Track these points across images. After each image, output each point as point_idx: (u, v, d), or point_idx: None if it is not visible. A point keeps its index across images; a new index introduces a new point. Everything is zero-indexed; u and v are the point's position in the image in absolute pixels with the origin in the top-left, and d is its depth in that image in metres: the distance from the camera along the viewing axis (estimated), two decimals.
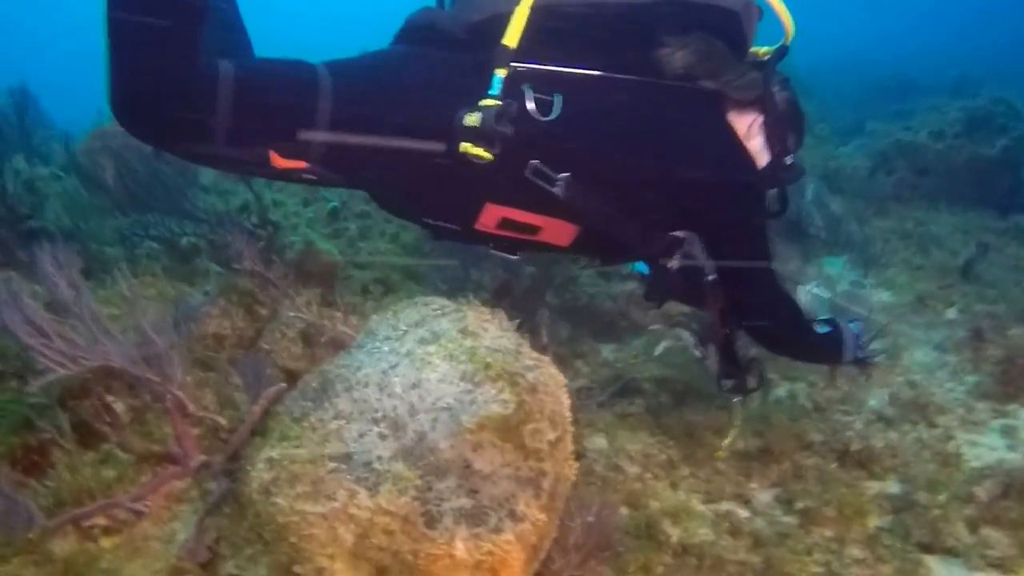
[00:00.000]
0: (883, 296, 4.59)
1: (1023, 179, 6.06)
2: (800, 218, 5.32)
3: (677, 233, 2.52)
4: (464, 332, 1.86)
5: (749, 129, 2.53)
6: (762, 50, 2.55)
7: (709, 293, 2.60)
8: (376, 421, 1.69)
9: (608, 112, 2.33)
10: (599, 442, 2.95)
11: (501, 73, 2.17)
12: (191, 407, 1.95)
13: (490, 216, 2.37)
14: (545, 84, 2.26)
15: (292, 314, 2.69)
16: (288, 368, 2.68)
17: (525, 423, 1.68)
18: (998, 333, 3.81)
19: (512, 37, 2.18)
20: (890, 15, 36.64)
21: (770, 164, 2.57)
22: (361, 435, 1.68)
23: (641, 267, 2.90)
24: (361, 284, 3.96)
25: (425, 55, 2.37)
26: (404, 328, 1.96)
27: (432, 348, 1.81)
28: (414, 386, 1.73)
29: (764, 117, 2.52)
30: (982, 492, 2.64)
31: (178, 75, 2.02)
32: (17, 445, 1.94)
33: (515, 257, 2.71)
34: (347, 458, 1.64)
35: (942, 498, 2.62)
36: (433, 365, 1.76)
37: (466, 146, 2.14)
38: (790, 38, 2.47)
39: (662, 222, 2.49)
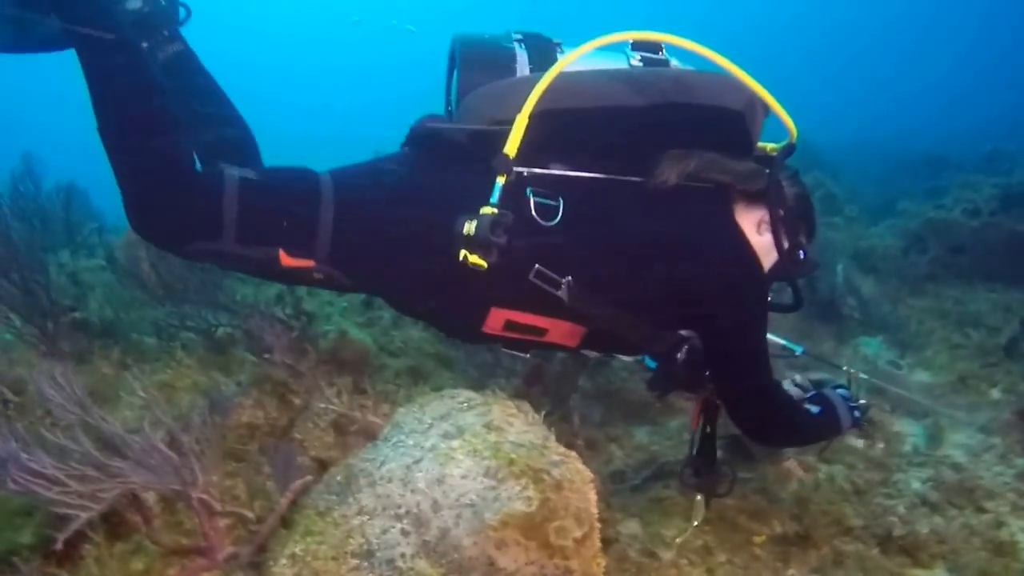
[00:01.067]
0: (922, 376, 4.50)
1: None
2: (834, 298, 5.28)
3: (683, 332, 2.50)
4: (489, 427, 1.87)
5: (758, 226, 2.50)
6: (769, 146, 2.53)
7: (705, 386, 2.60)
8: (399, 517, 1.70)
9: (611, 215, 2.35)
10: (633, 527, 2.91)
11: (500, 180, 2.20)
12: (217, 506, 1.95)
13: (496, 319, 2.37)
14: (549, 188, 2.29)
15: (323, 405, 2.71)
16: (320, 458, 2.70)
17: (550, 520, 1.67)
18: None
19: (512, 146, 2.21)
20: (916, 94, 36.95)
21: (780, 261, 2.52)
22: (384, 531, 1.68)
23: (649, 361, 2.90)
24: (394, 372, 3.99)
25: (429, 162, 2.43)
26: (429, 421, 1.97)
27: (456, 443, 1.82)
28: (438, 482, 1.73)
29: (773, 212, 2.48)
30: None
31: (180, 190, 2.17)
32: (50, 538, 1.96)
33: (527, 355, 2.70)
34: (369, 555, 1.64)
35: None
36: (457, 460, 1.77)
37: (464, 253, 2.16)
38: (795, 136, 2.47)
39: (668, 321, 2.47)
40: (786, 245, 2.48)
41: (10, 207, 3.32)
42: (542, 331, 2.42)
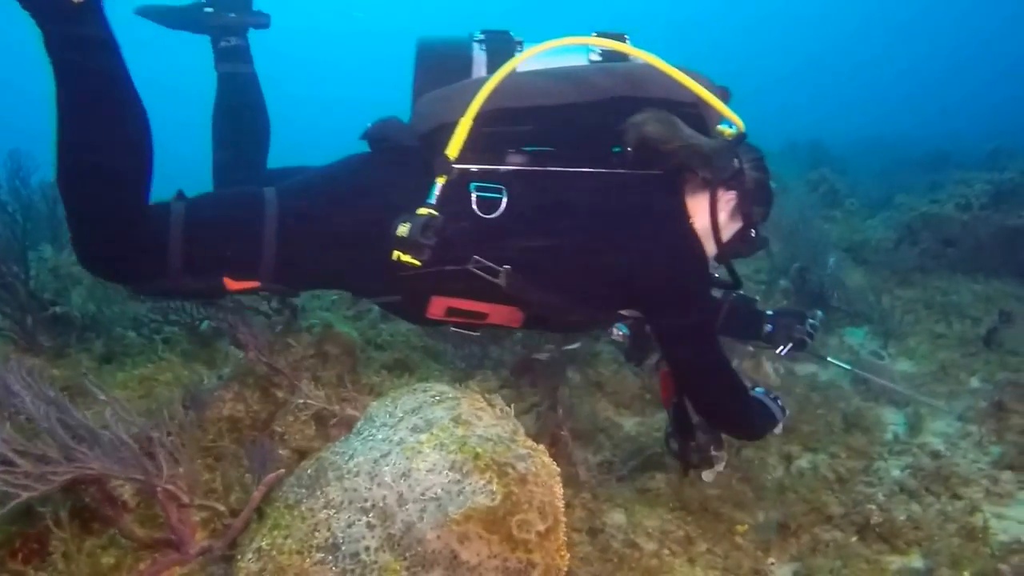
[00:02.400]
0: (904, 365, 4.54)
1: None
2: (822, 290, 5.30)
3: (623, 312, 2.62)
4: (457, 421, 1.88)
5: (711, 208, 2.57)
6: (727, 131, 2.54)
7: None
8: (365, 511, 1.71)
9: (555, 205, 2.40)
10: (618, 517, 2.93)
11: (440, 181, 2.28)
12: (185, 498, 1.97)
13: (437, 307, 2.48)
14: (492, 183, 2.36)
15: (301, 400, 2.72)
16: (301, 449, 2.71)
17: (513, 514, 1.68)
18: (1021, 402, 3.73)
19: (454, 148, 2.28)
20: (930, 91, 36.87)
21: (733, 240, 2.64)
22: (350, 525, 1.69)
23: (623, 327, 2.97)
24: (381, 365, 4.00)
25: (378, 164, 2.51)
26: (400, 415, 1.99)
27: (424, 437, 1.83)
28: (404, 476, 1.74)
29: (731, 195, 2.59)
30: (1008, 568, 2.57)
31: (126, 228, 2.21)
32: (16, 534, 1.97)
33: (476, 334, 2.80)
34: (334, 548, 1.66)
35: (967, 574, 2.56)
36: (423, 455, 1.78)
37: (397, 254, 2.24)
38: (743, 129, 2.50)
39: (609, 303, 2.57)
40: (740, 225, 2.61)
41: None
42: (483, 315, 2.52)
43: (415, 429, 1.88)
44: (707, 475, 3.03)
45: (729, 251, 2.66)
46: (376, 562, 1.62)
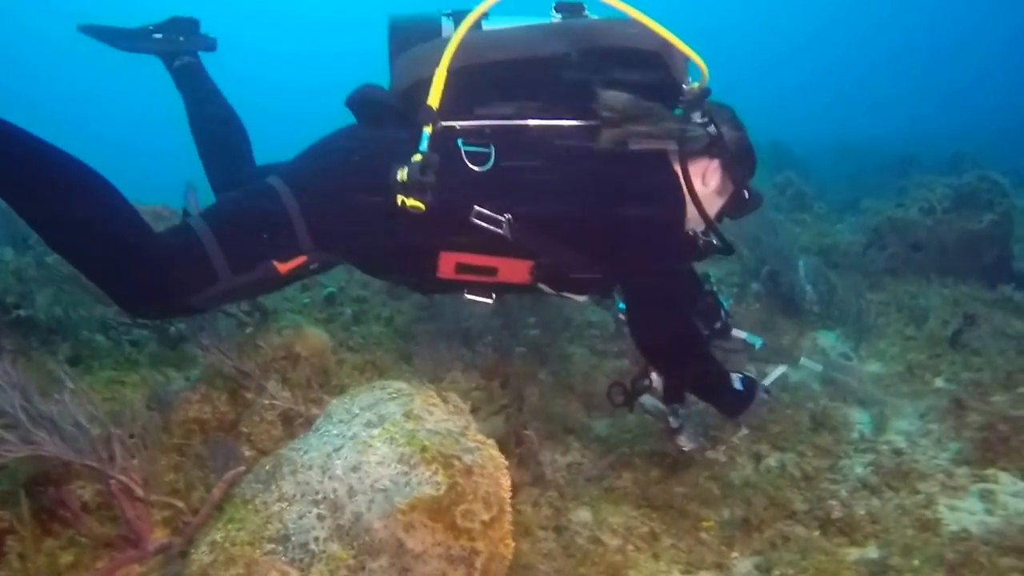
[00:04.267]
0: (874, 367, 4.60)
1: (1010, 252, 6.15)
2: (793, 293, 5.36)
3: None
4: (408, 415, 1.93)
5: (703, 176, 2.67)
6: (694, 87, 2.64)
7: None
8: (316, 503, 1.75)
9: (539, 157, 2.50)
10: (583, 515, 2.98)
11: (428, 130, 2.37)
12: (139, 491, 1.99)
13: (447, 264, 2.57)
14: (478, 137, 2.48)
15: (266, 402, 2.75)
16: (267, 450, 2.74)
17: (457, 504, 1.73)
18: (981, 400, 3.80)
19: (434, 97, 2.38)
20: (902, 96, 37.18)
21: (727, 203, 2.76)
22: (301, 516, 1.73)
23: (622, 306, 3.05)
24: (352, 366, 4.03)
25: (367, 128, 2.64)
26: (357, 411, 2.03)
27: (376, 432, 1.88)
28: (354, 469, 1.79)
29: (715, 163, 2.68)
30: (954, 555, 2.64)
31: (163, 264, 2.32)
32: None
33: (489, 301, 2.84)
34: (285, 539, 1.69)
35: (916, 562, 2.63)
36: (374, 448, 1.83)
37: (401, 199, 2.31)
38: (706, 78, 2.58)
39: (602, 254, 2.63)
40: (732, 188, 2.70)
41: None
42: (493, 270, 2.61)
43: (368, 424, 1.93)
44: (683, 441, 3.13)
45: (724, 214, 2.79)
46: (325, 551, 1.66)
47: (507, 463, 1.91)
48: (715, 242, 2.83)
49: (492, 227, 2.45)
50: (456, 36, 2.39)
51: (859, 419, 3.96)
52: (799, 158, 11.50)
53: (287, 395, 2.82)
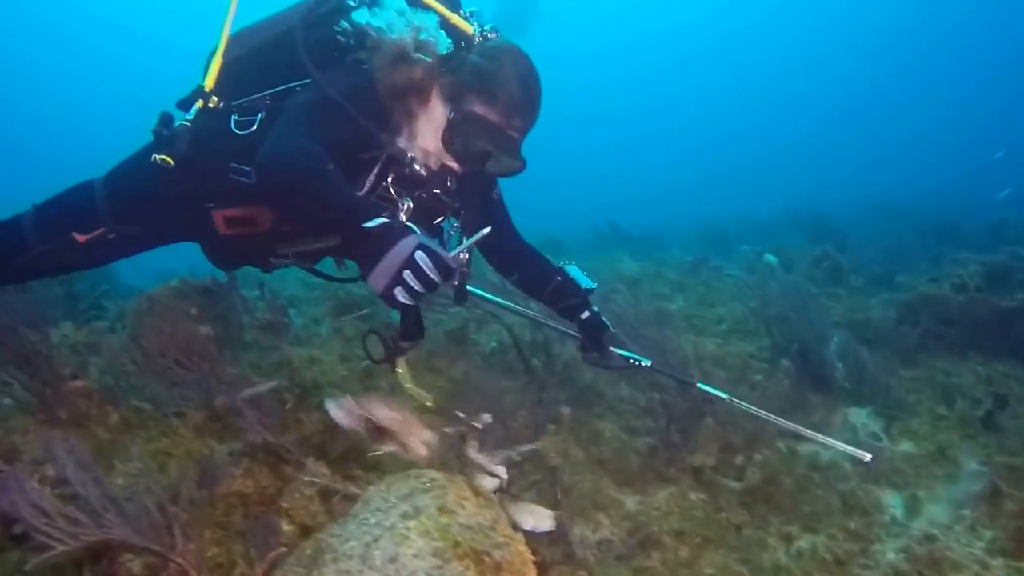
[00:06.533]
0: (905, 446, 4.56)
1: None
2: (824, 369, 5.37)
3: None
4: (442, 509, 2.03)
5: (426, 99, 2.75)
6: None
7: None
8: None
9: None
10: None
11: (199, 105, 2.85)
12: (193, 572, 2.07)
13: (219, 220, 2.89)
14: (247, 110, 2.85)
15: (306, 478, 2.83)
16: (306, 525, 2.81)
17: None
18: (1016, 486, 3.77)
19: (209, 79, 2.89)
20: (945, 157, 37.02)
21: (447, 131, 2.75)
22: None
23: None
24: None
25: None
26: (394, 500, 2.12)
27: (412, 523, 1.98)
28: (392, 560, 1.88)
29: (445, 80, 2.75)
30: None
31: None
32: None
33: (315, 267, 3.18)
34: None
35: None
36: (410, 540, 1.93)
37: (155, 156, 2.78)
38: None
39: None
40: (454, 115, 2.72)
41: None
42: (252, 220, 2.87)
43: (405, 516, 2.02)
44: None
45: (452, 141, 2.74)
46: None
47: (534, 557, 1.99)
48: (422, 172, 2.74)
49: (245, 179, 2.71)
50: (224, 30, 2.93)
51: (891, 502, 3.94)
52: (838, 229, 11.57)
53: (325, 471, 2.89)
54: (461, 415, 2.73)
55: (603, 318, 3.38)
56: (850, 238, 11.17)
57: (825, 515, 3.75)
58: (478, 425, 2.72)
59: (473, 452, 2.70)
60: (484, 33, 2.83)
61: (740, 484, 4.04)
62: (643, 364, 3.28)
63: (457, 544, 1.90)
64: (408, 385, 2.99)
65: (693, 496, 3.98)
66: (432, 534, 1.93)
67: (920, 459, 4.34)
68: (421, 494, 2.10)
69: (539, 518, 2.51)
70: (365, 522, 2.05)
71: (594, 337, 3.35)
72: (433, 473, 2.25)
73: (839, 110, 52.73)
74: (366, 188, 2.74)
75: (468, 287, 3.12)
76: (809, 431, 3.26)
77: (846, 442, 4.40)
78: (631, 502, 3.98)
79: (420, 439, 2.65)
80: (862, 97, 51.83)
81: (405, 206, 2.72)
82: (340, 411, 2.64)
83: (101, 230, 2.91)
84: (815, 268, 8.85)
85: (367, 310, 6.16)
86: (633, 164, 50.58)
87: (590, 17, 57.60)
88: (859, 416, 5.05)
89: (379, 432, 2.66)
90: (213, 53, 2.98)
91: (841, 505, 3.84)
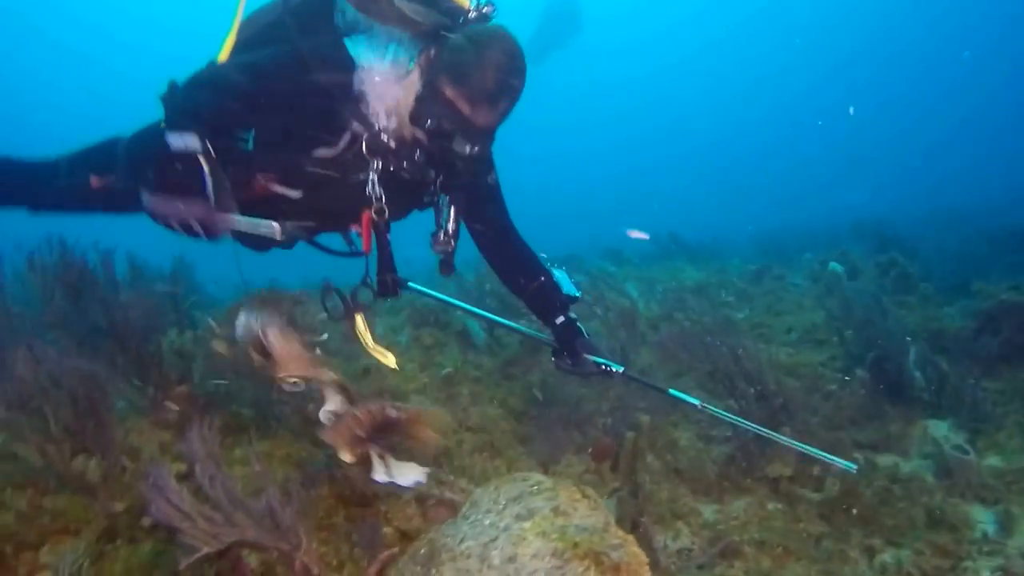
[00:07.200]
0: (993, 461, 4.46)
1: None
2: (902, 379, 5.28)
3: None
4: (556, 511, 2.07)
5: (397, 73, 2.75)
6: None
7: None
8: None
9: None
10: None
11: None
12: (315, 570, 2.15)
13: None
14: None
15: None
16: (402, 529, 2.89)
17: None
18: None
19: (223, 53, 2.87)
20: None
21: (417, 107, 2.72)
22: None
23: None
24: (472, 447, 4.16)
25: None
26: (504, 502, 2.17)
27: (527, 524, 2.02)
28: (510, 560, 1.93)
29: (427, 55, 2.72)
30: None
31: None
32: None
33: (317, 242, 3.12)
34: None
35: None
36: (528, 541, 1.97)
37: (161, 122, 2.77)
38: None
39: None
40: (427, 90, 2.68)
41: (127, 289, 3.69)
42: (250, 185, 2.88)
43: (519, 517, 2.07)
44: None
45: (418, 114, 2.71)
46: None
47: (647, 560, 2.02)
48: (389, 142, 2.77)
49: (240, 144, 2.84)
50: (236, 21, 2.93)
51: (981, 517, 3.84)
52: (901, 236, 11.28)
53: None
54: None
55: (579, 324, 3.33)
56: (915, 245, 10.86)
57: (909, 529, 3.68)
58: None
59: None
60: (480, 9, 2.75)
61: (818, 495, 4.01)
62: (616, 371, 3.21)
63: (576, 545, 1.93)
64: (369, 343, 2.94)
65: (771, 506, 3.97)
66: (549, 535, 1.97)
67: (1011, 474, 4.22)
68: (532, 496, 2.15)
69: (412, 471, 2.55)
70: (478, 523, 2.11)
71: (567, 343, 3.30)
72: (539, 476, 2.30)
73: (869, 118, 51.83)
74: (340, 147, 2.80)
75: (411, 283, 3.21)
76: (787, 439, 3.21)
77: (930, 456, 4.38)
78: (708, 511, 3.99)
79: (322, 379, 2.67)
80: (891, 104, 50.90)
81: (375, 164, 2.80)
82: (242, 325, 2.72)
83: (111, 178, 3.08)
84: (882, 276, 8.64)
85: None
86: (683, 178, 49.96)
87: (634, 34, 57.33)
88: (940, 428, 4.94)
89: (268, 359, 2.68)
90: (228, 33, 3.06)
91: (926, 519, 3.76)
